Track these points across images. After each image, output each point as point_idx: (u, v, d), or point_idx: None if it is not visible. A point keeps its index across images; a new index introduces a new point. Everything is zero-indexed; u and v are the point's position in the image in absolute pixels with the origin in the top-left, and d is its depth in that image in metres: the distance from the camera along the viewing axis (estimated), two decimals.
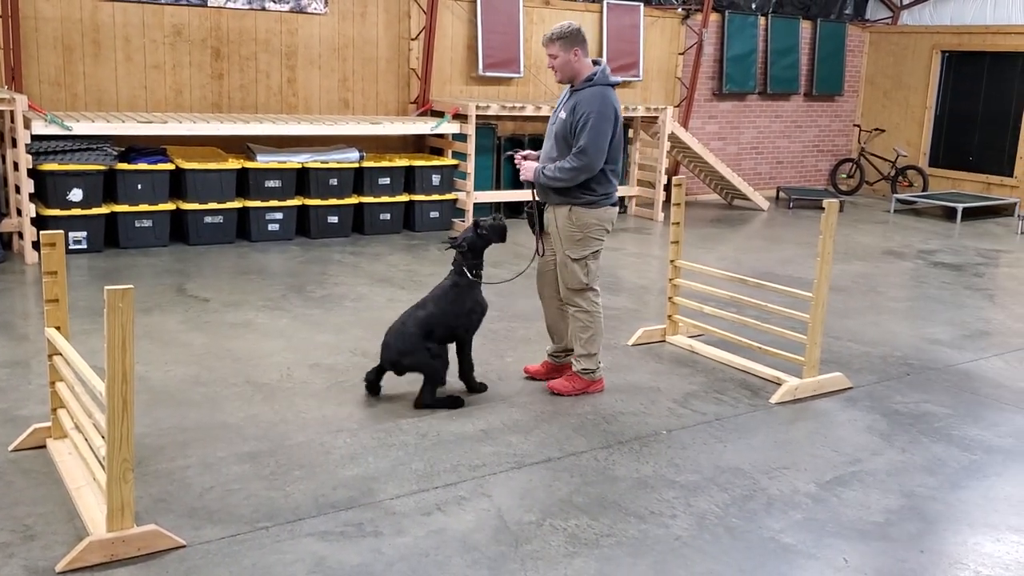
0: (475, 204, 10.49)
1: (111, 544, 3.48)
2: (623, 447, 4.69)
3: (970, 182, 14.08)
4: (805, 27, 14.30)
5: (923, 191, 14.04)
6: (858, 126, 15.15)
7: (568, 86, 5.18)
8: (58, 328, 4.26)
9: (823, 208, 5.33)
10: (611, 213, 5.22)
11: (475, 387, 5.32)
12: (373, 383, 5.22)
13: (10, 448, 4.36)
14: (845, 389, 5.64)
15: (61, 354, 4.21)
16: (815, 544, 3.79)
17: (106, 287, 3.27)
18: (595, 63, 5.14)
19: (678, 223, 6.25)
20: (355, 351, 5.98)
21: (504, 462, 4.45)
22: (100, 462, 3.67)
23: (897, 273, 9.19)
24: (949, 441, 4.93)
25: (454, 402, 5.12)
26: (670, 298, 6.42)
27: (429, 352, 5.04)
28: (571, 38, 5.03)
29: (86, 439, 3.98)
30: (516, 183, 11.38)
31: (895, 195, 13.53)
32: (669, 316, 6.45)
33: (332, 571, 3.46)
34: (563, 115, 5.09)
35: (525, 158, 5.30)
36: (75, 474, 4.07)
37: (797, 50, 14.18)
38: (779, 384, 5.51)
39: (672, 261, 6.33)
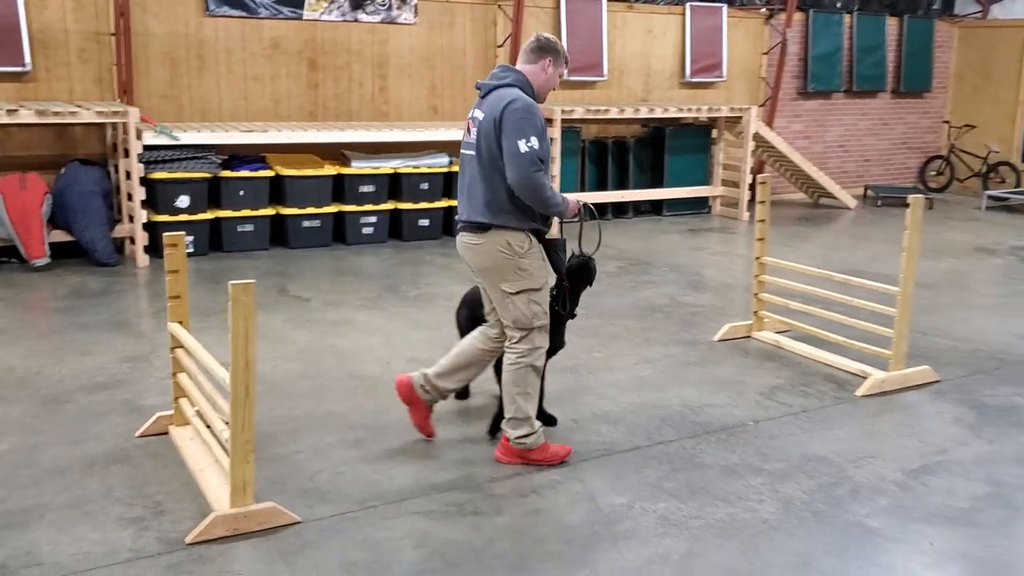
0: None
1: (234, 519, 3.78)
2: (710, 437, 4.84)
3: None
4: (891, 24, 14.14)
5: (1016, 187, 13.75)
6: (947, 122, 14.90)
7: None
8: (180, 323, 4.61)
9: (909, 206, 5.38)
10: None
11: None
12: None
13: (136, 434, 4.72)
14: (932, 383, 5.68)
15: (183, 347, 4.56)
16: (901, 529, 3.89)
17: (230, 282, 3.57)
18: None
19: (763, 220, 6.35)
20: (449, 346, 6.22)
21: (595, 450, 4.65)
22: (222, 445, 3.99)
23: (987, 269, 9.08)
24: None
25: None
26: (756, 294, 6.52)
27: (479, 321, 4.74)
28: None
29: (207, 425, 4.31)
30: (600, 185, 11.60)
31: (987, 192, 13.29)
32: (755, 312, 6.56)
33: (437, 546, 3.70)
34: None
35: None
36: (197, 457, 4.40)
37: (883, 47, 14.04)
38: (865, 378, 5.58)
39: (758, 258, 6.43)
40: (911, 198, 5.39)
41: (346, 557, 3.62)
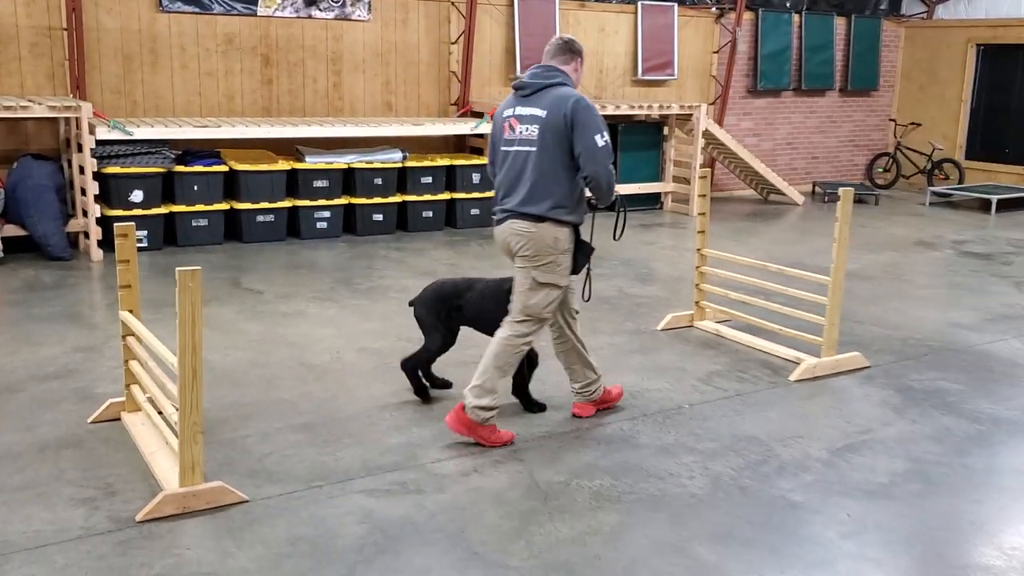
0: None
1: (183, 498, 3.91)
2: (647, 419, 5.03)
3: (1006, 174, 14.17)
4: (839, 23, 14.48)
5: (959, 184, 14.15)
6: (894, 120, 15.29)
7: None
8: (131, 311, 4.72)
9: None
10: (495, 233, 4.85)
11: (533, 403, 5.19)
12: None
13: (89, 420, 4.81)
14: (863, 368, 5.92)
15: (134, 334, 4.66)
16: (821, 502, 4.11)
17: (177, 268, 3.70)
18: None
19: (704, 213, 6.56)
20: (400, 337, 6.38)
21: (536, 432, 4.82)
22: (172, 427, 4.10)
23: (926, 262, 9.39)
24: (959, 414, 5.21)
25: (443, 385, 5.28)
26: (697, 285, 6.74)
27: (442, 316, 5.03)
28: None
29: (158, 409, 4.42)
30: None
31: (931, 188, 13.67)
32: (696, 302, 6.77)
33: (379, 521, 3.85)
34: None
35: None
36: (148, 441, 4.51)
37: (831, 46, 14.37)
38: (798, 364, 5.81)
39: (699, 250, 6.65)
40: (841, 191, 5.62)
41: (292, 532, 3.75)
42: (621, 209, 4.94)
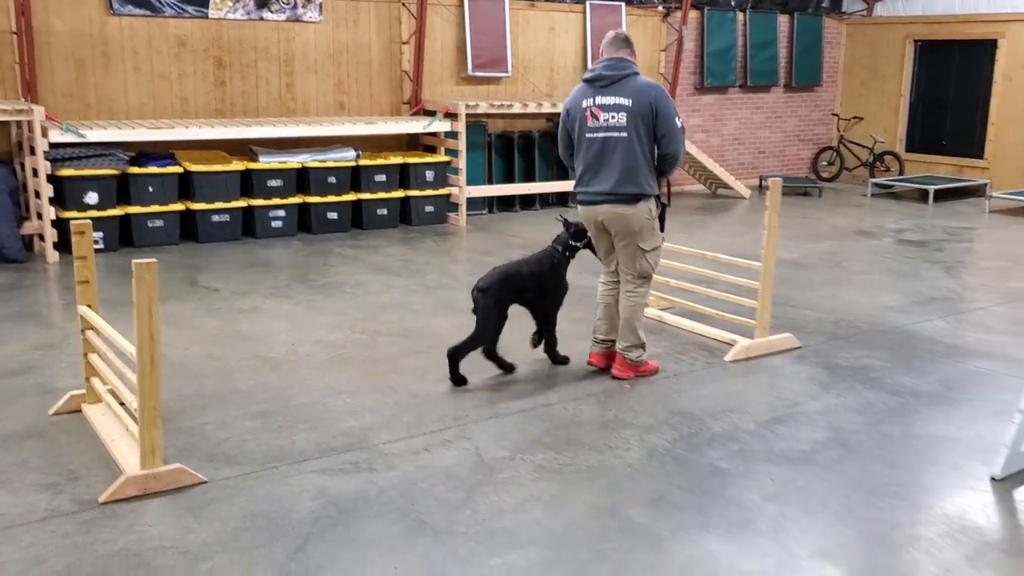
0: (468, 198, 11.11)
1: (144, 480, 4.10)
2: (591, 398, 5.30)
3: (944, 165, 14.67)
4: (783, 21, 14.89)
5: (900, 175, 14.62)
6: (837, 115, 15.74)
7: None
8: (89, 305, 4.89)
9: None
10: (581, 211, 5.55)
11: (559, 359, 5.81)
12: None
13: (50, 412, 4.97)
14: (795, 348, 6.24)
15: (93, 328, 4.83)
16: (747, 468, 4.40)
17: (133, 260, 3.89)
18: None
19: None
20: (354, 329, 6.59)
21: (484, 413, 5.06)
22: (132, 414, 4.29)
23: (864, 251, 9.77)
24: (881, 387, 5.54)
25: (509, 367, 5.64)
26: None
27: (498, 307, 5.42)
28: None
29: (118, 399, 4.60)
30: (507, 178, 12.04)
31: (872, 180, 14.12)
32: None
33: (332, 497, 4.07)
34: None
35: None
36: (109, 430, 4.68)
37: (776, 43, 14.77)
38: (734, 345, 6.11)
39: None
40: (771, 181, 5.93)
41: (249, 509, 3.96)
42: (663, 204, 5.56)
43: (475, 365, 5.52)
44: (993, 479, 4.32)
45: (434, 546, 3.68)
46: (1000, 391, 5.51)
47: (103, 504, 3.98)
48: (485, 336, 5.46)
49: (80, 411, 5.00)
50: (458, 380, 5.45)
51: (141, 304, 3.95)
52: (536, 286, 5.59)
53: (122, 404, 4.56)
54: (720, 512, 3.98)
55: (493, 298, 5.40)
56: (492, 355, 5.56)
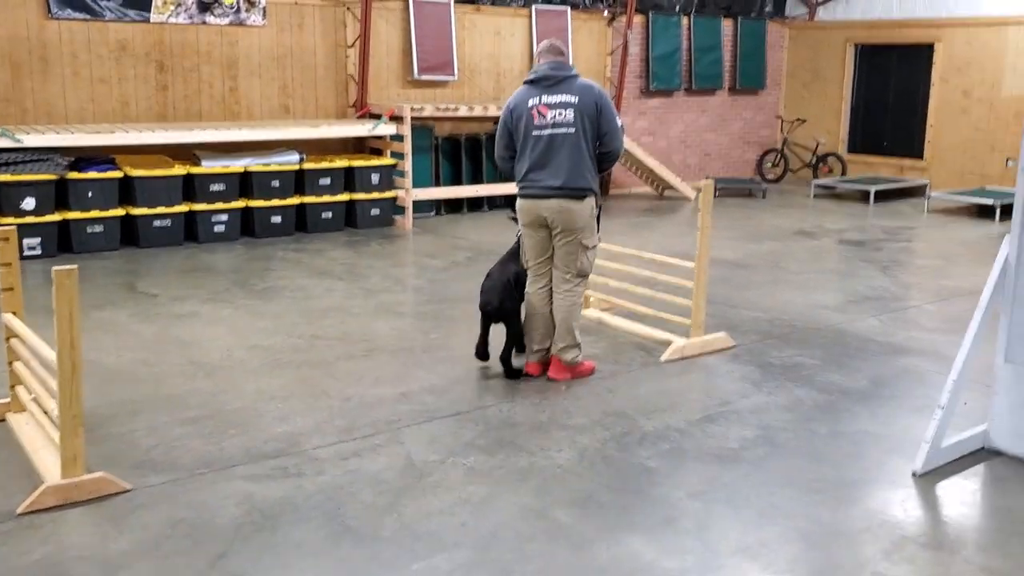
0: (415, 201, 11.10)
1: (65, 489, 4.04)
2: (525, 400, 5.32)
3: (885, 166, 14.94)
4: (727, 25, 15.06)
5: (842, 176, 14.86)
6: (780, 117, 15.96)
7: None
8: (14, 313, 4.81)
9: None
10: (524, 205, 5.56)
11: (514, 373, 5.71)
12: (482, 350, 5.74)
13: None
14: (730, 347, 6.31)
15: (17, 336, 4.75)
16: (675, 467, 4.45)
17: (53, 268, 3.83)
18: None
19: None
20: (291, 333, 6.55)
21: (418, 417, 5.06)
22: (54, 422, 4.23)
23: (803, 251, 9.92)
24: (811, 385, 5.62)
25: (517, 373, 5.69)
26: None
27: (516, 303, 5.66)
28: None
29: (42, 407, 4.53)
30: (455, 180, 12.04)
31: (815, 181, 14.33)
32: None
33: (258, 503, 4.05)
34: None
35: None
36: (33, 440, 4.60)
37: (720, 47, 14.94)
38: (670, 345, 6.17)
39: None
40: (703, 183, 6.00)
41: (172, 516, 3.92)
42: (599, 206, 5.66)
43: (427, 367, 5.51)
44: (914, 474, 4.41)
45: (357, 550, 3.67)
46: (927, 387, 5.62)
47: (21, 515, 3.91)
48: (519, 333, 5.69)
49: (4, 420, 4.91)
50: (515, 374, 5.65)
51: (61, 311, 3.90)
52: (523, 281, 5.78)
53: (45, 412, 4.49)
54: (646, 511, 4.02)
55: (511, 301, 5.63)
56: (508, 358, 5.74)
